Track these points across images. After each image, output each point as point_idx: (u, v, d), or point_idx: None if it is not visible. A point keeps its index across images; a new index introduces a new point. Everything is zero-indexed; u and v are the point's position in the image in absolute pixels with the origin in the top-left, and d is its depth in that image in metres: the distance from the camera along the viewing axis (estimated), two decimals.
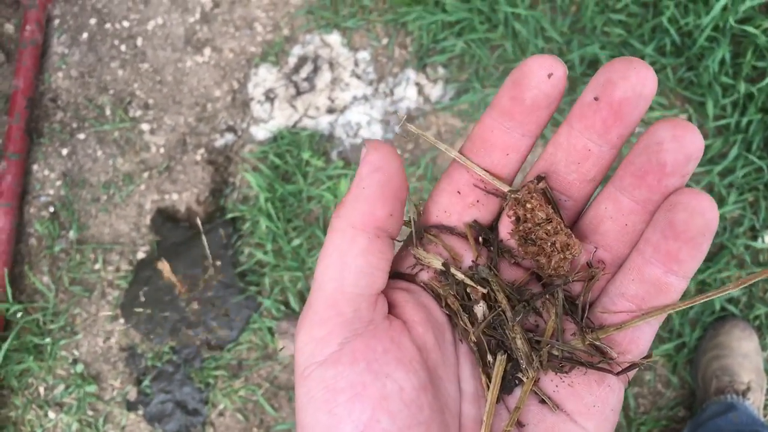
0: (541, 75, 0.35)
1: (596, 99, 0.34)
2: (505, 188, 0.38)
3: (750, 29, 1.43)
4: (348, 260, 0.35)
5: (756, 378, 1.33)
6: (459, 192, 0.40)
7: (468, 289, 0.39)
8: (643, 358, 0.37)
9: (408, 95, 1.71)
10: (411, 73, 1.72)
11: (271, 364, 1.61)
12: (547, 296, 0.39)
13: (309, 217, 1.66)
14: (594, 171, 0.37)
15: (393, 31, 1.74)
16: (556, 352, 0.38)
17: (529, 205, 0.37)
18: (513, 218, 0.39)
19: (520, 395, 0.38)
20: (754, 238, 1.48)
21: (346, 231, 0.35)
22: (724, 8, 1.46)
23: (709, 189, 1.51)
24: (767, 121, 1.47)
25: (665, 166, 0.33)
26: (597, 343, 0.37)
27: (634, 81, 0.33)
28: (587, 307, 0.38)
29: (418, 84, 1.72)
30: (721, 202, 1.50)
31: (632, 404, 1.48)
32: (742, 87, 1.46)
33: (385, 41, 1.74)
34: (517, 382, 0.38)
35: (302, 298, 1.62)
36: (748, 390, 1.30)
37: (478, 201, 0.40)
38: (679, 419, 1.47)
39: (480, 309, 0.38)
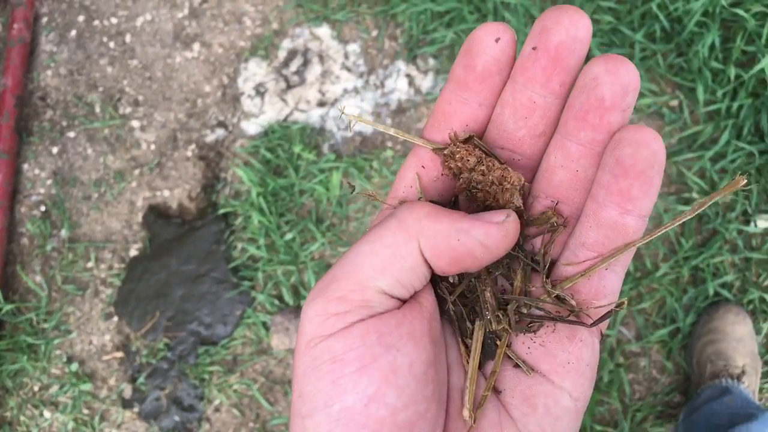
0: (489, 40, 0.35)
1: (534, 49, 0.34)
2: (429, 146, 0.38)
3: (741, 12, 1.43)
4: (399, 258, 0.34)
5: (750, 362, 1.33)
6: (423, 167, 0.40)
7: None
8: (616, 306, 0.37)
9: (398, 87, 1.71)
10: (401, 65, 1.72)
11: (266, 358, 1.61)
12: (511, 252, 0.39)
13: (301, 211, 1.66)
14: (542, 125, 0.37)
15: (382, 22, 1.73)
16: (523, 310, 0.38)
17: (458, 155, 0.37)
18: (450, 174, 0.39)
19: (495, 358, 0.37)
20: (747, 222, 1.48)
21: (412, 229, 0.34)
22: None
23: (701, 175, 1.51)
24: (758, 106, 1.47)
25: (604, 100, 0.33)
26: (560, 293, 0.36)
27: (567, 24, 0.33)
28: (549, 260, 0.38)
29: (408, 75, 1.71)
30: (713, 187, 1.49)
31: (627, 391, 1.48)
32: (732, 72, 1.46)
33: (374, 33, 1.73)
34: (494, 346, 0.38)
35: (296, 291, 1.62)
36: (743, 374, 1.30)
37: (442, 174, 0.40)
38: (674, 405, 1.47)
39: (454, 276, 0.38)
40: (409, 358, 0.33)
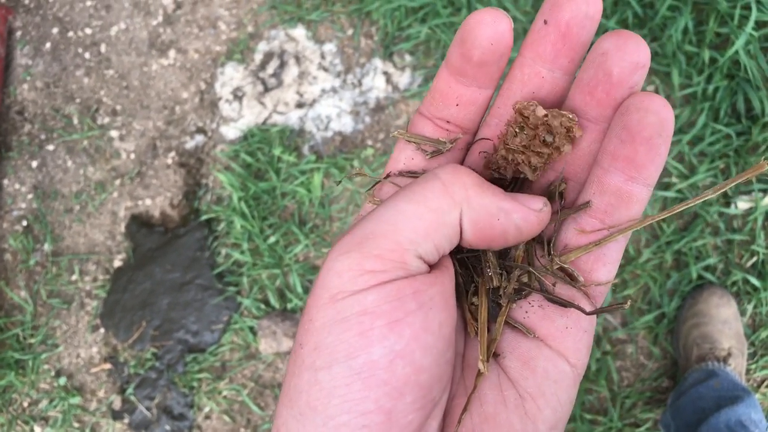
0: (485, 33, 0.34)
1: (545, 23, 0.34)
2: (427, 147, 0.40)
3: None
4: (441, 224, 0.33)
5: (736, 344, 1.33)
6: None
7: None
8: (618, 304, 0.37)
9: (376, 85, 1.70)
10: (378, 63, 1.71)
11: (255, 363, 1.60)
12: None
13: (284, 214, 1.65)
14: (550, 100, 0.37)
15: (357, 21, 1.72)
16: (524, 278, 0.38)
17: (526, 112, 0.37)
18: (515, 130, 0.38)
19: (496, 326, 0.37)
20: (727, 204, 1.48)
21: (457, 197, 0.34)
22: None
23: (680, 159, 1.51)
24: (733, 88, 1.47)
25: (611, 76, 0.33)
26: (565, 266, 0.37)
27: (579, 1, 0.33)
28: (556, 231, 0.38)
29: (385, 73, 1.70)
30: (692, 171, 1.49)
31: (615, 378, 1.48)
32: (707, 54, 1.45)
33: (350, 32, 1.73)
34: (496, 309, 0.39)
35: (282, 295, 1.61)
36: (729, 356, 1.30)
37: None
38: (662, 390, 1.47)
39: None
40: (439, 318, 0.33)
